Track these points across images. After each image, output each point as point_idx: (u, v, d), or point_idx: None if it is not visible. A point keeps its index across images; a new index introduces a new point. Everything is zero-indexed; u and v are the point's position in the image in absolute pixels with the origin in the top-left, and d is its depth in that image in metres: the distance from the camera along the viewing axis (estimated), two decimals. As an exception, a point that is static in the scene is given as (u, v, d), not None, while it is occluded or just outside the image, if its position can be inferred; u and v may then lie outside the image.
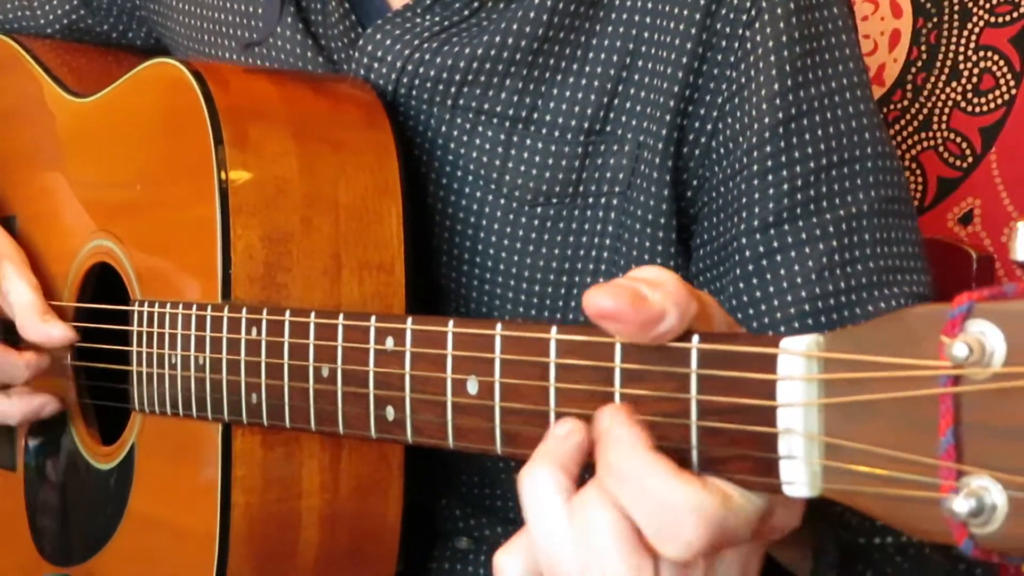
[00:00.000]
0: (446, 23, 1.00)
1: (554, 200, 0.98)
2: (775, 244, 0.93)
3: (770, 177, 0.93)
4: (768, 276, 0.93)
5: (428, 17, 1.01)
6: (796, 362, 0.57)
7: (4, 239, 1.13)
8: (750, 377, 0.58)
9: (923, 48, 1.48)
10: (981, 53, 1.44)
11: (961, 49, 1.45)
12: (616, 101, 0.97)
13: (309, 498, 0.94)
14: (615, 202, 0.97)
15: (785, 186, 0.93)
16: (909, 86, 1.49)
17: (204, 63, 1.01)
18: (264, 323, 0.87)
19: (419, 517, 1.01)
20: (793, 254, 0.93)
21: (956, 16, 1.45)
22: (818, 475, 0.56)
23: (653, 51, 0.96)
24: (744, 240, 0.94)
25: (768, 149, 0.93)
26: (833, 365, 0.56)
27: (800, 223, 0.93)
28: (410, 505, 0.98)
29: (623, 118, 0.97)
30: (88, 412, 1.12)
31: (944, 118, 1.47)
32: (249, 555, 0.94)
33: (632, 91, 0.97)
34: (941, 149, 1.48)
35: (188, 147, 0.96)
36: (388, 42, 1.01)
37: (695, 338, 0.60)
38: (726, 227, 0.95)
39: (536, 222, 0.99)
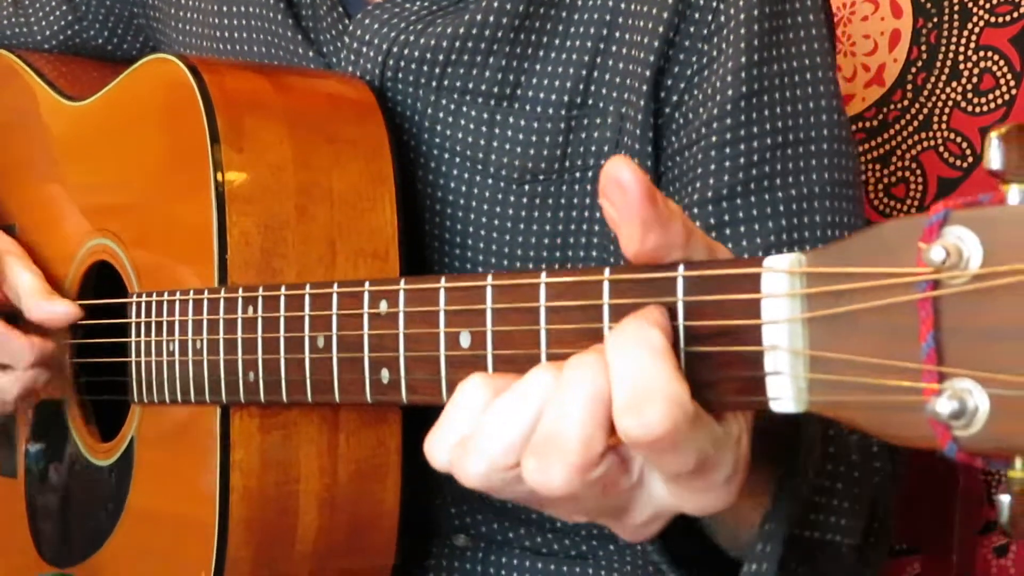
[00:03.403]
0: (434, 8, 1.02)
1: (541, 177, 1.00)
2: (725, 218, 0.94)
3: (727, 150, 0.94)
4: None
5: (418, 3, 1.03)
6: (780, 279, 0.58)
7: (3, 238, 1.15)
8: (735, 299, 0.59)
9: (923, 48, 1.49)
10: (981, 53, 1.45)
11: (961, 49, 1.47)
12: (596, 74, 0.98)
13: (308, 482, 0.95)
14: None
15: (741, 160, 0.94)
16: (909, 86, 1.51)
17: (199, 57, 1.03)
18: (260, 300, 0.88)
19: (417, 514, 1.02)
20: (742, 229, 0.94)
21: (956, 16, 1.47)
22: (804, 390, 0.57)
23: (631, 22, 0.97)
24: (695, 211, 0.95)
25: (728, 122, 0.94)
26: (815, 280, 0.57)
27: (752, 198, 0.94)
28: (408, 503, 0.98)
29: (603, 91, 0.98)
30: (87, 410, 1.13)
31: (944, 118, 1.48)
32: (249, 540, 0.94)
33: (610, 63, 0.98)
34: (941, 149, 1.49)
35: (184, 139, 0.98)
36: (376, 26, 1.03)
37: (680, 267, 0.61)
38: (680, 197, 0.96)
39: (525, 200, 1.00)
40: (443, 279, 0.74)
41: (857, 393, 0.55)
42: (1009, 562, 1.44)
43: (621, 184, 0.60)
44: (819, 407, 0.57)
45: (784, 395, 0.58)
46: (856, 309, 0.55)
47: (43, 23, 1.31)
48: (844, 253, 0.56)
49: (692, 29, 0.95)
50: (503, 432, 0.62)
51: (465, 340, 0.72)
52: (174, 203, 1.00)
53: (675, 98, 0.96)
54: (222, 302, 0.91)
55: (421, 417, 0.85)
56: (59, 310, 1.08)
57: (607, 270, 0.65)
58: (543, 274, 0.68)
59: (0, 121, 1.27)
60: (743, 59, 0.94)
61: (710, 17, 0.95)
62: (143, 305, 1.00)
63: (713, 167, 0.95)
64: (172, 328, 0.97)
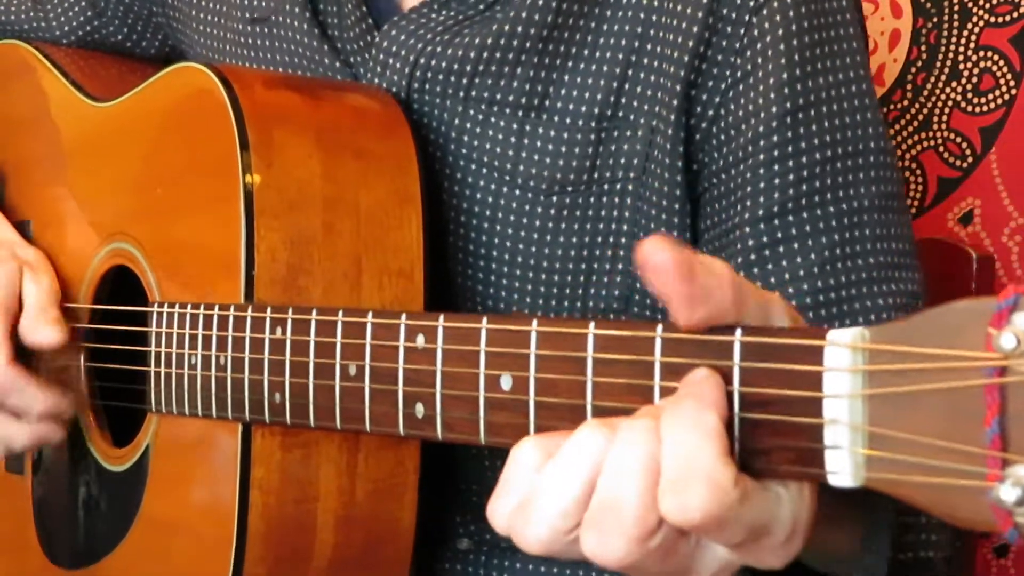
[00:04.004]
0: (460, 17, 1.02)
1: (569, 188, 0.99)
2: (779, 235, 0.94)
3: (776, 167, 0.94)
4: (770, 266, 0.94)
5: (444, 12, 1.02)
6: (842, 354, 0.57)
7: (26, 247, 1.14)
8: (796, 369, 0.59)
9: (923, 48, 1.49)
10: (981, 53, 1.45)
11: (961, 49, 1.47)
12: (627, 86, 0.98)
13: (326, 501, 0.95)
14: (630, 187, 0.98)
15: (791, 176, 0.94)
16: (909, 86, 1.51)
17: (229, 67, 1.01)
18: (290, 322, 0.87)
19: (421, 518, 1.01)
20: (796, 245, 0.94)
21: (956, 16, 1.47)
22: (862, 465, 0.57)
23: (661, 34, 0.97)
24: (748, 229, 0.95)
25: (775, 139, 0.94)
26: (878, 357, 0.57)
27: (804, 214, 0.94)
28: None
29: (634, 103, 0.98)
30: (100, 414, 1.12)
31: (944, 118, 1.48)
32: (265, 556, 0.94)
33: (642, 75, 0.98)
34: (941, 149, 1.49)
35: (212, 150, 0.97)
36: (403, 37, 1.02)
37: (738, 331, 0.61)
38: (729, 214, 0.96)
39: (552, 211, 1.00)
40: (485, 319, 0.73)
41: (916, 472, 0.55)
42: (1009, 562, 1.45)
43: (656, 268, 0.60)
44: (877, 483, 0.57)
45: (842, 470, 0.58)
46: (921, 390, 0.55)
47: (62, 19, 1.29)
48: (908, 331, 0.56)
49: (724, 43, 0.95)
50: (559, 495, 0.62)
51: (506, 383, 0.72)
52: (199, 214, 0.99)
53: (711, 112, 0.96)
54: (249, 320, 0.91)
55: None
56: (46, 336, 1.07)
57: (660, 327, 0.64)
58: (591, 324, 0.67)
59: (15, 116, 1.25)
60: (785, 74, 0.94)
61: (742, 31, 0.94)
62: (164, 315, 0.99)
63: (763, 185, 0.94)
64: (195, 342, 0.96)
